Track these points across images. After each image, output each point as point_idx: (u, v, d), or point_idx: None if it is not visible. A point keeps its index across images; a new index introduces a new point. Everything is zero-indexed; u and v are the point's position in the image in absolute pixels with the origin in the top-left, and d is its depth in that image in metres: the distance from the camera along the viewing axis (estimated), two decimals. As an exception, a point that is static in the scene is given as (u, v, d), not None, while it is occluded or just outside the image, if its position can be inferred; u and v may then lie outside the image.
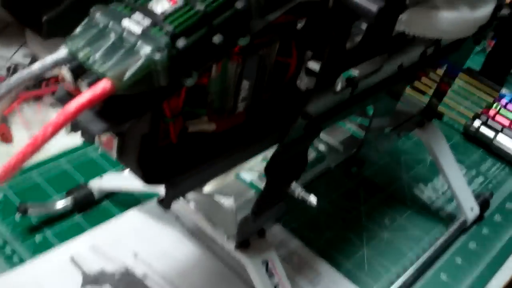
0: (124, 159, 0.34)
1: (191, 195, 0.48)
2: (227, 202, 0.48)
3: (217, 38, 0.32)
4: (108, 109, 0.31)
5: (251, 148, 0.41)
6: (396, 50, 0.49)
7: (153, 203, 0.61)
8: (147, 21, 0.30)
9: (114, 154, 0.34)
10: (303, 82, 0.44)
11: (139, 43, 0.29)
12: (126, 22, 0.30)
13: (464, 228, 0.69)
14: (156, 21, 0.30)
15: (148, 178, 0.34)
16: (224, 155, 0.39)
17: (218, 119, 0.39)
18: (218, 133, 0.39)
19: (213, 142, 0.39)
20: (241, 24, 0.33)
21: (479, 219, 0.72)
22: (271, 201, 0.47)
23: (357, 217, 0.67)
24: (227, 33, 0.32)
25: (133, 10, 0.31)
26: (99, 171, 0.65)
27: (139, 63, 0.29)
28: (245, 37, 0.33)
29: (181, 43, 0.30)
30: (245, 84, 0.38)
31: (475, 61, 1.06)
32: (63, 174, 0.65)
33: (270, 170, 0.44)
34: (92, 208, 0.61)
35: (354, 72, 0.50)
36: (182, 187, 0.36)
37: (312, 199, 0.47)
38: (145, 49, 0.29)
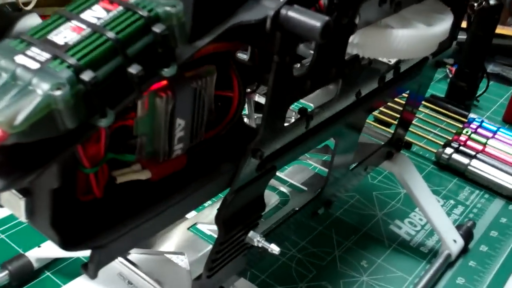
0: (35, 221, 0.29)
1: (136, 254, 0.43)
2: (179, 259, 0.42)
3: (133, 69, 0.27)
4: (7, 161, 0.26)
5: (196, 196, 0.36)
6: (352, 77, 0.45)
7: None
8: (45, 55, 0.25)
9: (22, 215, 0.28)
10: (251, 117, 0.40)
11: (34, 80, 0.25)
12: (20, 58, 0.25)
13: (449, 263, 0.64)
14: (57, 53, 0.25)
15: (66, 242, 0.29)
16: (162, 206, 0.33)
17: (153, 165, 0.34)
18: (155, 181, 0.34)
19: (149, 192, 0.34)
20: (163, 52, 0.28)
21: (464, 251, 0.67)
22: (227, 255, 0.41)
23: (332, 263, 0.62)
24: (145, 63, 0.28)
25: (29, 45, 0.26)
26: (37, 239, 0.58)
27: (34, 103, 0.24)
28: (169, 67, 0.29)
29: (86, 76, 0.25)
30: (180, 122, 0.33)
31: (438, 89, 1.04)
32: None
33: (221, 219, 0.38)
34: (32, 281, 0.54)
35: (308, 103, 0.46)
36: (113, 250, 0.31)
37: (274, 247, 0.41)
38: (43, 86, 0.24)
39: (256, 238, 0.42)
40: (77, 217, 0.30)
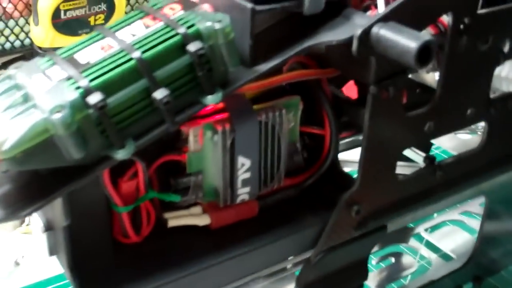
0: (59, 258, 0.26)
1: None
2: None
3: (159, 94, 0.23)
4: (14, 189, 0.23)
5: (267, 251, 0.30)
6: (504, 120, 0.35)
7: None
8: (62, 74, 0.23)
9: (45, 250, 0.26)
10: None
11: (40, 101, 0.22)
12: (37, 77, 0.23)
13: None
14: (72, 73, 0.22)
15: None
16: (220, 261, 0.28)
17: (214, 210, 0.29)
18: (214, 229, 0.29)
19: (206, 242, 0.29)
20: (204, 76, 0.23)
21: None
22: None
23: None
24: (181, 88, 0.23)
25: (54, 64, 0.23)
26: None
27: (27, 126, 0.21)
28: (213, 94, 0.24)
29: (93, 99, 0.21)
30: (244, 162, 0.28)
31: None
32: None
33: (303, 283, 0.32)
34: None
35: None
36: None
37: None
38: (44, 108, 0.21)
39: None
40: (106, 262, 0.26)
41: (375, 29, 0.26)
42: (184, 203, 0.29)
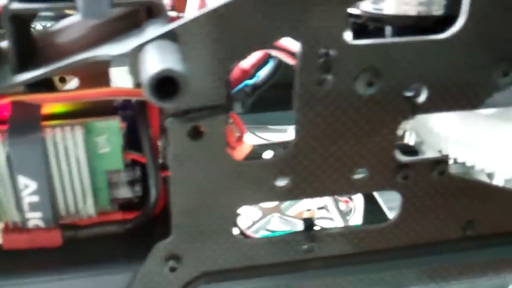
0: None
1: None
2: None
3: None
4: None
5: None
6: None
7: None
8: None
9: None
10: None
11: None
12: None
13: None
14: None
15: None
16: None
17: (8, 231, 0.26)
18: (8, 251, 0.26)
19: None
20: None
21: None
22: None
23: None
24: None
25: None
26: None
27: None
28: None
29: None
30: (27, 183, 0.24)
31: None
32: None
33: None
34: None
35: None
36: None
37: None
38: None
39: None
40: None
41: (148, 48, 0.20)
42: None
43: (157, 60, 0.19)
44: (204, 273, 0.26)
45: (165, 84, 0.18)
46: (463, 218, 0.28)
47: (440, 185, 0.26)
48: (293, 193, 0.25)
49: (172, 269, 0.25)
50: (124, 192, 0.27)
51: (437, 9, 0.25)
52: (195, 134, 0.23)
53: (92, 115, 0.25)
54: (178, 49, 0.20)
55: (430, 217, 0.27)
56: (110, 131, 0.25)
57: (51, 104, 0.25)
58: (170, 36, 0.20)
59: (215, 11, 0.21)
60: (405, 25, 0.25)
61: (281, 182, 0.25)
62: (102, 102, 0.25)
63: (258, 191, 0.25)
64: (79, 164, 0.25)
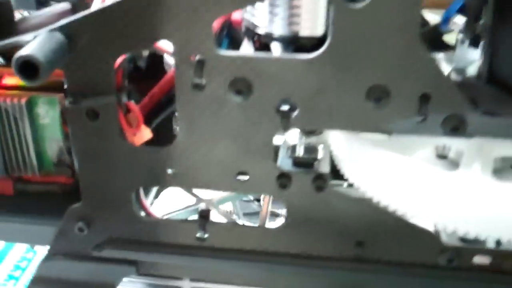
0: None
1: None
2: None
3: None
4: None
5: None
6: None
7: None
8: None
9: None
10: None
11: None
12: None
13: None
14: None
15: None
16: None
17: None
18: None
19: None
20: None
21: None
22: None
23: None
24: None
25: None
26: None
27: None
28: None
29: None
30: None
31: None
32: None
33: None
34: None
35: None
36: None
37: None
38: None
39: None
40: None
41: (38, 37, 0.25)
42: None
43: (29, 47, 0.23)
44: (110, 238, 0.30)
45: (31, 65, 0.23)
46: (352, 238, 0.28)
47: (321, 201, 0.27)
48: (179, 182, 0.28)
49: (80, 230, 0.30)
50: (66, 159, 0.32)
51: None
52: (92, 115, 0.27)
53: (41, 91, 0.31)
54: (59, 40, 0.24)
55: (315, 230, 0.28)
56: (49, 105, 0.30)
57: (11, 77, 0.30)
58: (61, 29, 0.25)
59: (102, 11, 0.25)
60: (292, 43, 0.26)
61: (170, 170, 0.28)
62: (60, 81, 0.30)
63: (149, 175, 0.28)
64: (24, 129, 0.31)
